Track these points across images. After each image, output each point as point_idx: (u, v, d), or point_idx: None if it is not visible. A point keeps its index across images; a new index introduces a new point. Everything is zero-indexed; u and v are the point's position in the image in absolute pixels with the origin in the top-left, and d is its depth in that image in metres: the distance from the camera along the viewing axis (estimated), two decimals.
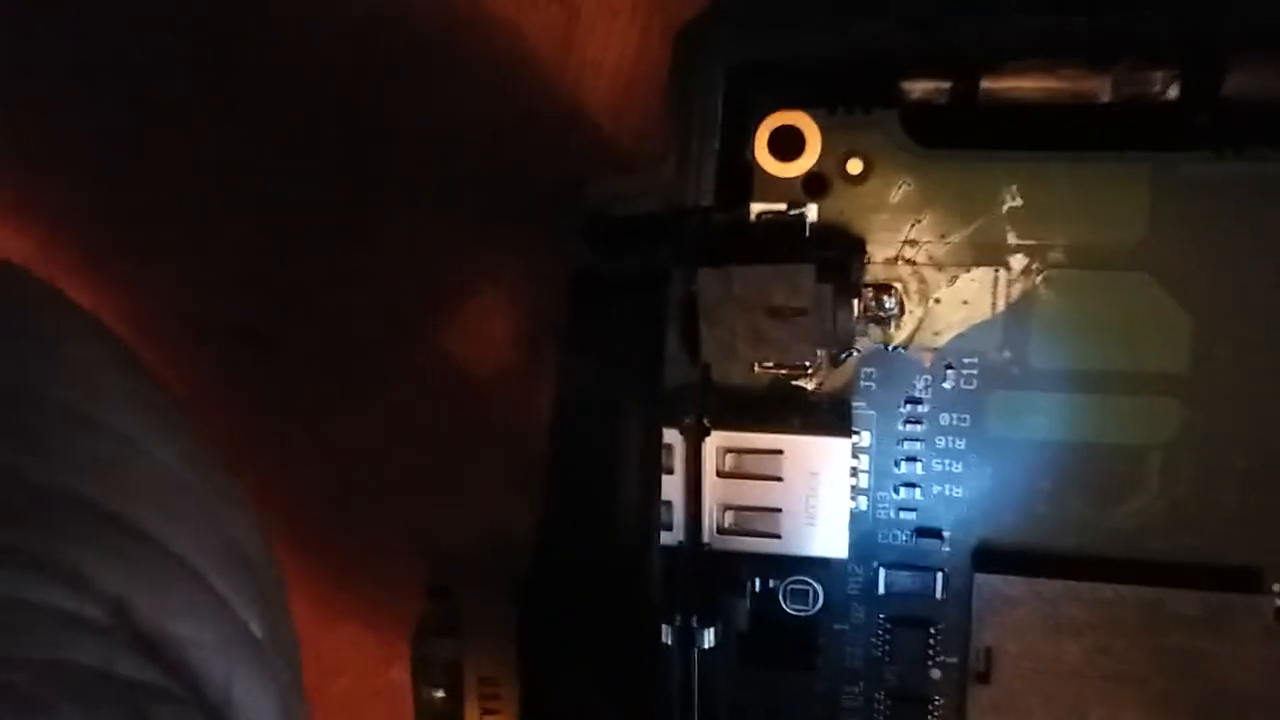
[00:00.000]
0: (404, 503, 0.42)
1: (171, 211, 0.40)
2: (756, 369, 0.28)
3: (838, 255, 0.27)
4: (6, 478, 0.17)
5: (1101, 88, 0.27)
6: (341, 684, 0.45)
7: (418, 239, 0.39)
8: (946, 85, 0.27)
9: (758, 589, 0.29)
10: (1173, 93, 0.26)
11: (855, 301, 0.26)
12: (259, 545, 0.22)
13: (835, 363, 0.28)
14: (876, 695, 0.30)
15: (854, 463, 0.29)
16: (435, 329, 0.40)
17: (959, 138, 0.27)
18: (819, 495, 0.28)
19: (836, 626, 0.30)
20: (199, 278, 0.40)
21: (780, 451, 0.28)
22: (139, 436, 0.20)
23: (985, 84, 0.27)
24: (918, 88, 0.27)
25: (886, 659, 0.30)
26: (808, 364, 0.28)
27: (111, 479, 0.19)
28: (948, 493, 0.29)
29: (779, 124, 0.27)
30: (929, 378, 0.28)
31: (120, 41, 0.38)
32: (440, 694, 0.30)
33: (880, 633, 0.30)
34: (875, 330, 0.28)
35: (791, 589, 0.29)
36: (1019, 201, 0.27)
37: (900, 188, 0.27)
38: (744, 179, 0.27)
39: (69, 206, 0.40)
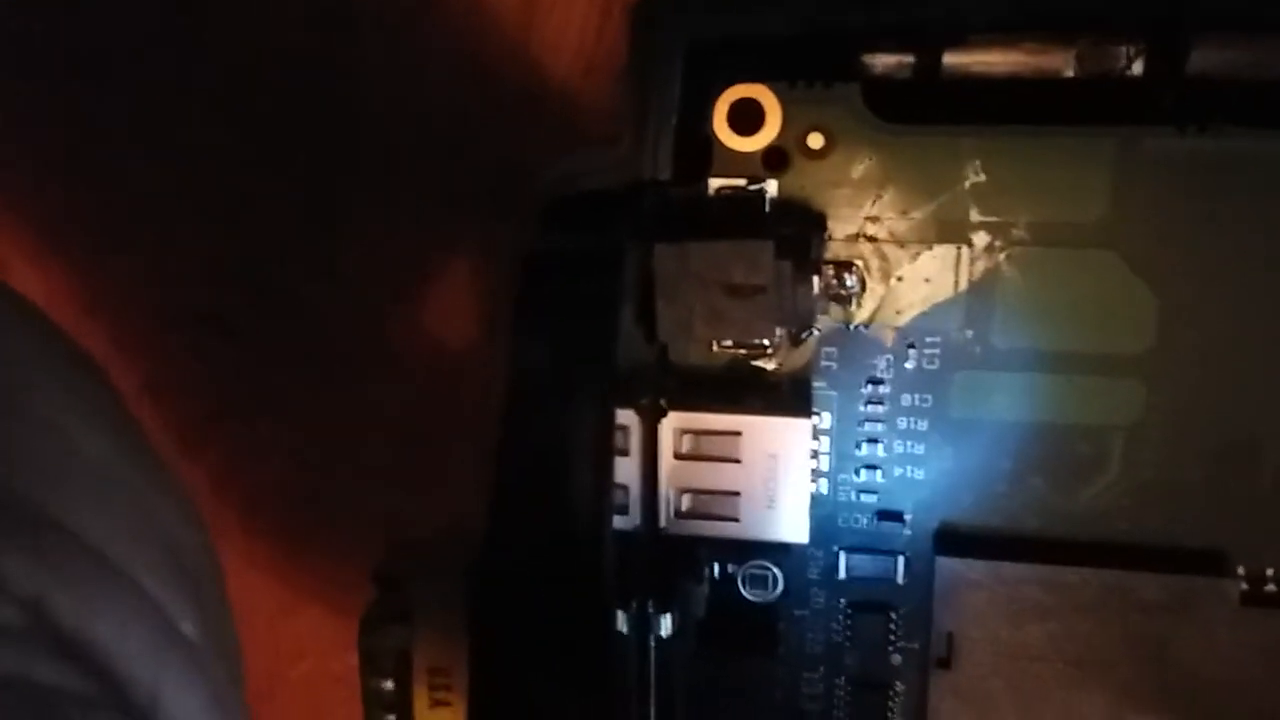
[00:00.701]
0: (368, 488, 0.41)
1: (131, 197, 0.39)
2: (715, 348, 0.27)
3: (797, 231, 0.26)
4: None
5: (1065, 63, 0.26)
6: (302, 669, 0.45)
7: (381, 223, 0.38)
8: (909, 59, 0.26)
9: (716, 574, 0.29)
10: (1137, 69, 0.26)
11: (815, 279, 0.26)
12: (196, 540, 0.21)
13: (795, 342, 0.28)
14: (837, 681, 0.30)
15: (814, 444, 0.28)
16: (400, 314, 0.40)
17: (922, 113, 0.26)
18: (779, 478, 0.27)
19: (797, 612, 0.30)
20: (159, 264, 0.40)
21: (739, 433, 0.27)
22: (67, 426, 0.19)
23: (948, 58, 0.26)
24: (880, 62, 0.27)
25: (847, 644, 0.30)
26: (767, 343, 0.27)
27: (31, 469, 0.18)
28: (909, 475, 0.28)
29: (738, 97, 0.26)
30: (890, 357, 0.28)
31: (78, 24, 0.38)
32: (389, 684, 0.29)
33: (841, 618, 0.29)
34: (836, 309, 0.28)
35: (751, 574, 0.29)
36: (982, 177, 0.26)
37: (862, 163, 0.27)
38: (702, 154, 0.26)
39: (25, 191, 0.39)
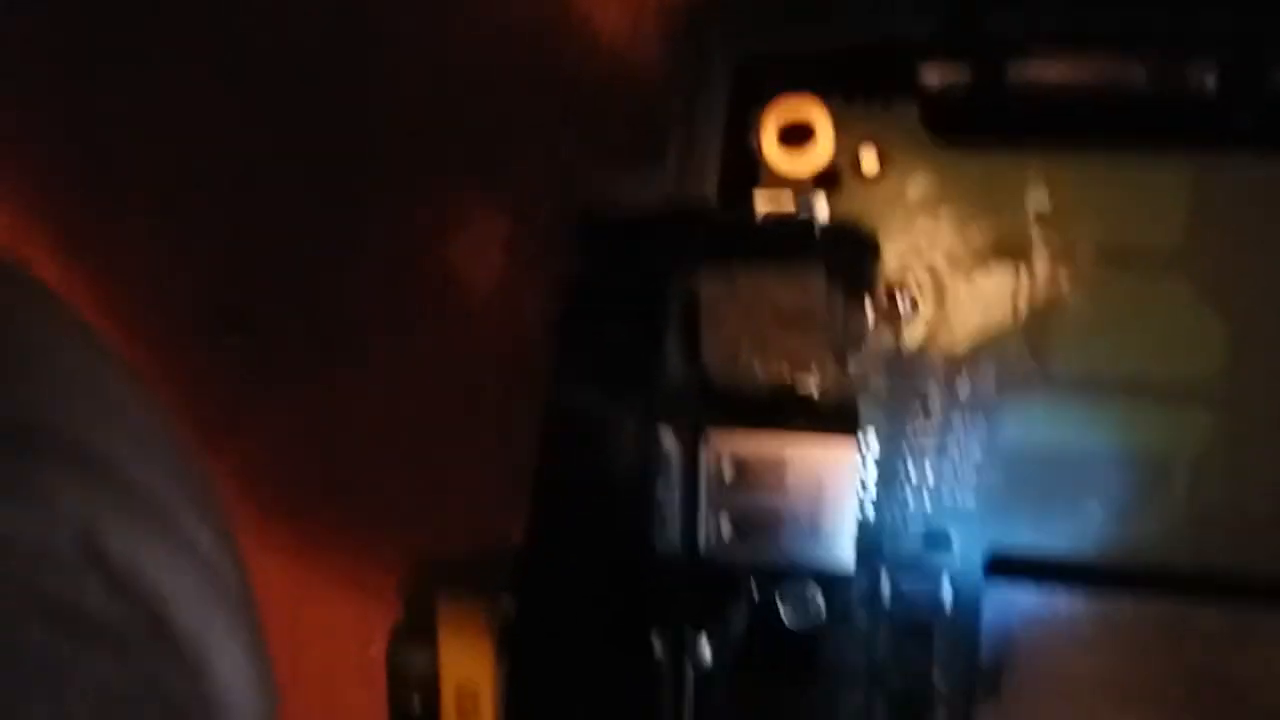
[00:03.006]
0: (388, 480, 0.41)
1: (146, 190, 0.38)
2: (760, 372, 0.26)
3: (850, 256, 0.25)
4: None
5: (1136, 77, 0.25)
6: (317, 656, 0.44)
7: (401, 215, 0.37)
8: (968, 73, 0.25)
9: (755, 596, 0.28)
10: (1211, 84, 0.25)
11: (869, 305, 0.25)
12: (215, 491, 0.21)
13: (843, 365, 0.27)
14: (877, 706, 0.29)
15: (860, 468, 0.27)
16: (421, 305, 0.39)
17: (982, 131, 0.25)
18: (823, 503, 0.27)
19: (838, 635, 0.29)
20: (175, 258, 0.39)
21: (783, 457, 0.26)
22: (106, 373, 0.19)
23: (1010, 72, 0.25)
24: (937, 76, 0.25)
25: (890, 668, 0.29)
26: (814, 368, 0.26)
27: (84, 411, 0.18)
28: (959, 499, 0.27)
29: (788, 114, 0.25)
30: (942, 381, 0.27)
31: (92, 17, 0.37)
32: (416, 703, 0.29)
33: (884, 641, 0.29)
34: (887, 332, 0.26)
35: (792, 596, 0.28)
36: (1045, 200, 0.25)
37: (918, 184, 0.25)
38: (749, 173, 0.25)
39: (41, 186, 0.38)
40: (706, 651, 0.27)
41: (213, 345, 0.39)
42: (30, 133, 0.38)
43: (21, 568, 0.16)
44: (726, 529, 0.27)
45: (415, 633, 0.29)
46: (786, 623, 0.28)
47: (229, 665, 0.19)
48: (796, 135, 0.25)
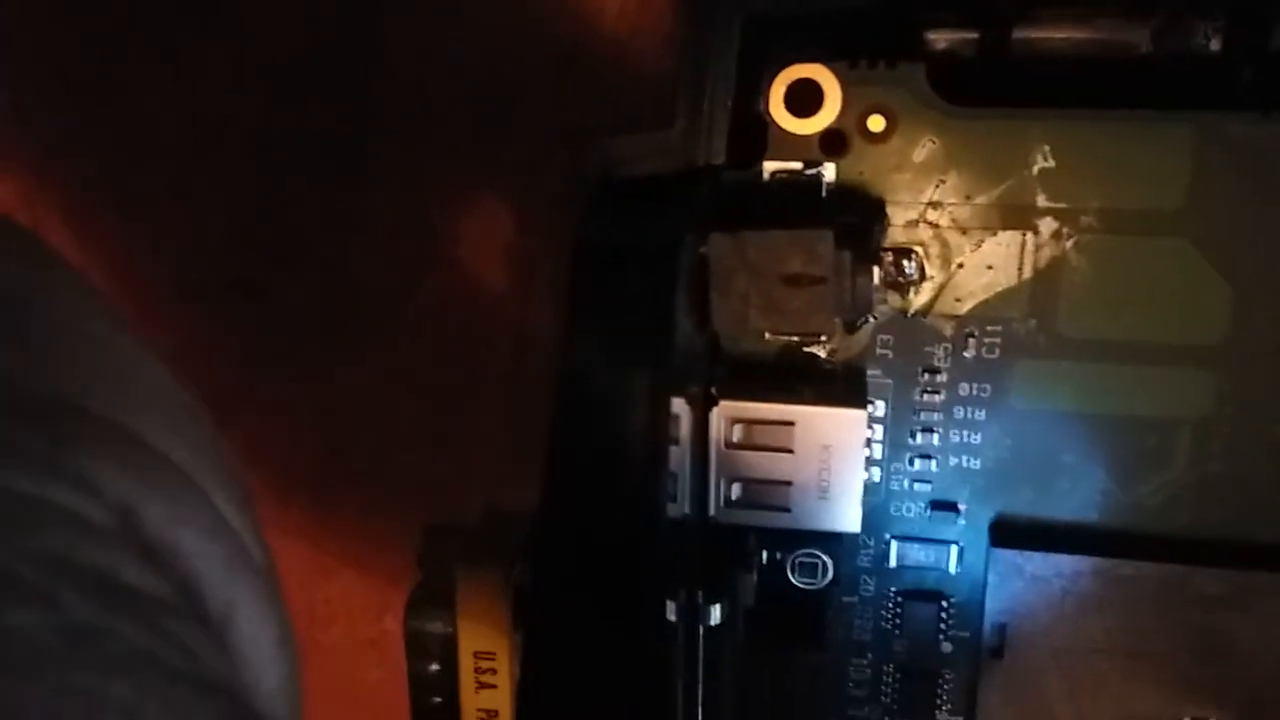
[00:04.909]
0: (399, 450, 0.41)
1: (157, 160, 0.38)
2: (768, 336, 0.27)
3: (858, 219, 0.25)
4: (3, 381, 0.17)
5: (1140, 38, 0.25)
6: (334, 633, 0.44)
7: (412, 184, 0.37)
8: (974, 35, 0.25)
9: (764, 561, 0.28)
10: (1215, 45, 0.25)
11: (876, 269, 0.25)
12: (237, 468, 0.21)
13: (851, 329, 0.27)
14: (886, 669, 0.29)
15: (868, 433, 0.27)
16: (431, 276, 0.39)
17: (988, 94, 0.25)
18: (832, 469, 0.27)
19: (846, 599, 0.29)
20: (187, 229, 0.39)
21: (791, 423, 0.27)
22: (131, 350, 0.20)
23: (1016, 34, 0.25)
24: (943, 37, 0.25)
25: (897, 633, 0.29)
26: (824, 335, 0.26)
27: (113, 388, 0.18)
28: (965, 464, 0.28)
29: (796, 77, 0.25)
30: (949, 346, 0.27)
31: None
32: (434, 667, 0.29)
33: (891, 606, 0.29)
34: (894, 296, 0.27)
35: (800, 561, 0.28)
36: (1051, 162, 0.25)
37: (924, 146, 0.25)
38: (757, 135, 0.25)
39: (53, 156, 0.39)
40: (716, 613, 0.27)
41: (225, 317, 0.39)
42: (43, 107, 0.38)
43: (59, 538, 0.16)
44: (736, 493, 0.27)
45: (432, 600, 0.29)
46: (794, 584, 0.28)
47: (255, 634, 0.19)
48: (804, 97, 0.25)
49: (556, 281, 0.32)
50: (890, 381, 0.27)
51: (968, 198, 0.26)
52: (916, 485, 0.28)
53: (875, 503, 0.28)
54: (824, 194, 0.26)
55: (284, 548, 0.43)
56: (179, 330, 0.40)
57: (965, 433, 0.27)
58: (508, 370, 0.39)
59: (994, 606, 0.28)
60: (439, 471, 0.41)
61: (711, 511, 0.27)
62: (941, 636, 0.29)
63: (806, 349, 0.27)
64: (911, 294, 0.27)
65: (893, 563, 0.29)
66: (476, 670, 0.29)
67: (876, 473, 0.28)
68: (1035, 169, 0.25)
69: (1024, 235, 0.26)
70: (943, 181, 0.26)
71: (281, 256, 0.39)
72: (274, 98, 0.37)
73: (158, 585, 0.17)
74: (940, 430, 0.27)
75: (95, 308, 0.20)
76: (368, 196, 0.38)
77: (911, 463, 0.28)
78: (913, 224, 0.26)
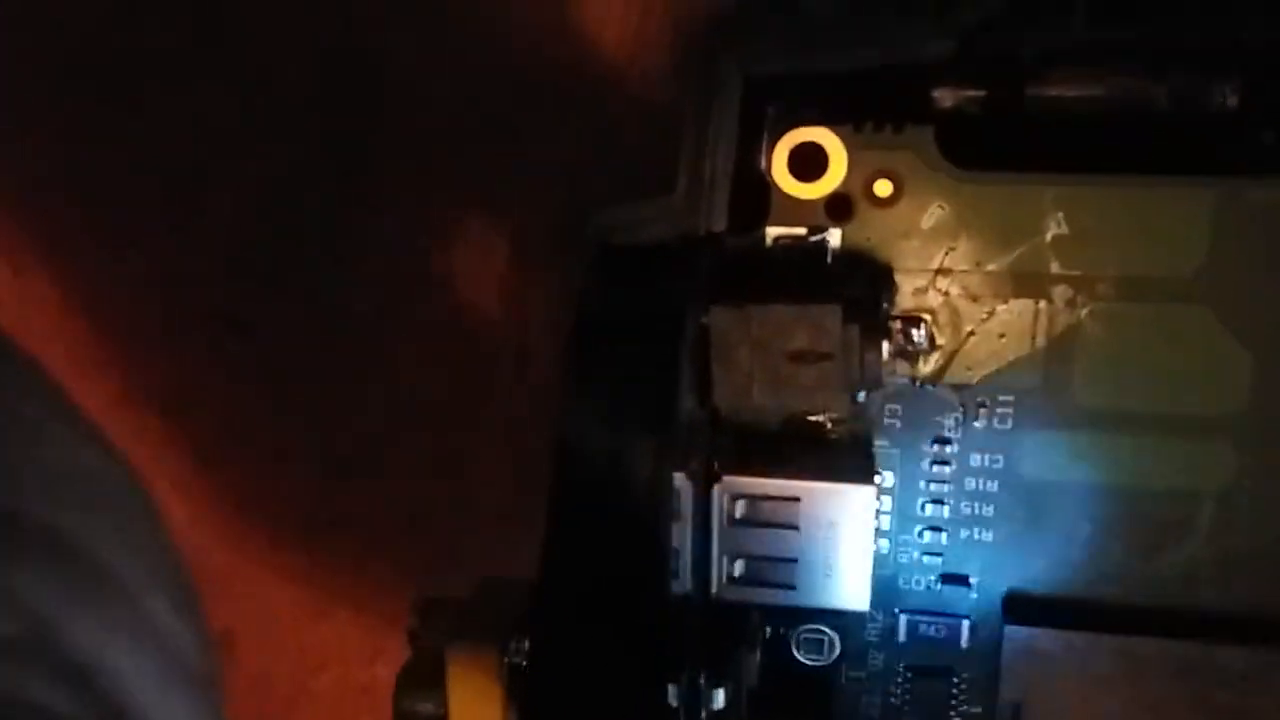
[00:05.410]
0: (395, 493, 0.40)
1: (140, 197, 0.37)
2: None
3: (865, 291, 0.24)
4: None
5: (1157, 96, 0.24)
6: (325, 679, 0.43)
7: (404, 217, 0.36)
8: (983, 93, 0.24)
9: (768, 636, 0.27)
10: (1233, 103, 0.24)
11: (885, 343, 0.24)
12: (185, 562, 0.20)
13: (857, 400, 0.26)
14: None
15: (876, 505, 0.26)
16: (424, 308, 0.38)
17: (998, 156, 0.24)
18: (839, 547, 0.26)
19: (853, 675, 0.28)
20: (173, 262, 0.38)
21: (796, 499, 0.26)
22: (76, 445, 0.19)
23: (1028, 92, 0.24)
24: (950, 96, 0.25)
25: (906, 709, 0.28)
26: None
27: (50, 490, 0.17)
28: (976, 537, 0.27)
29: (800, 140, 0.24)
30: (959, 416, 0.26)
31: (89, 12, 0.36)
32: None
33: (900, 682, 0.28)
34: (902, 364, 0.26)
35: (805, 637, 0.27)
36: (1064, 228, 0.24)
37: (933, 212, 0.25)
38: (759, 199, 0.24)
39: (34, 193, 0.37)
40: (720, 697, 0.25)
41: (212, 354, 0.38)
42: (23, 136, 0.37)
43: None
44: (739, 570, 0.26)
45: (423, 678, 0.28)
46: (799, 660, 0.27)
47: None
48: (808, 161, 0.24)
49: (552, 318, 0.31)
50: (898, 452, 0.26)
51: (978, 265, 0.25)
52: (926, 558, 0.27)
53: (883, 575, 0.27)
54: (829, 261, 0.25)
55: (274, 590, 0.42)
56: (166, 370, 0.39)
57: (977, 504, 0.26)
58: (506, 405, 0.38)
59: (1008, 684, 0.27)
60: (435, 512, 0.40)
61: (714, 589, 0.26)
62: (953, 714, 0.28)
63: (811, 418, 0.26)
64: (920, 363, 0.26)
65: (902, 637, 0.28)
66: None
67: (884, 544, 0.27)
68: (1049, 235, 0.24)
69: (1037, 303, 0.25)
70: (952, 248, 0.25)
71: (271, 290, 0.38)
72: (265, 127, 0.36)
73: (71, 705, 0.16)
74: (950, 502, 0.26)
75: (55, 410, 0.19)
76: (360, 230, 0.37)
77: (921, 535, 0.27)
78: (921, 291, 0.25)
